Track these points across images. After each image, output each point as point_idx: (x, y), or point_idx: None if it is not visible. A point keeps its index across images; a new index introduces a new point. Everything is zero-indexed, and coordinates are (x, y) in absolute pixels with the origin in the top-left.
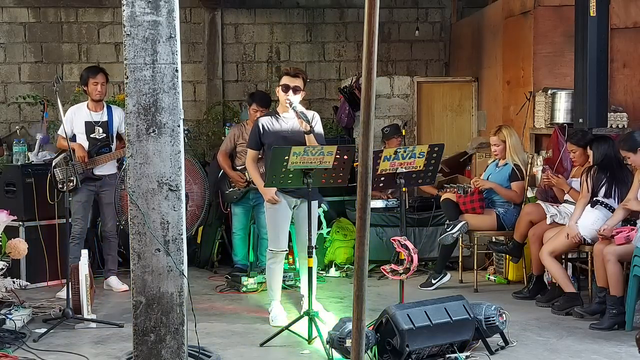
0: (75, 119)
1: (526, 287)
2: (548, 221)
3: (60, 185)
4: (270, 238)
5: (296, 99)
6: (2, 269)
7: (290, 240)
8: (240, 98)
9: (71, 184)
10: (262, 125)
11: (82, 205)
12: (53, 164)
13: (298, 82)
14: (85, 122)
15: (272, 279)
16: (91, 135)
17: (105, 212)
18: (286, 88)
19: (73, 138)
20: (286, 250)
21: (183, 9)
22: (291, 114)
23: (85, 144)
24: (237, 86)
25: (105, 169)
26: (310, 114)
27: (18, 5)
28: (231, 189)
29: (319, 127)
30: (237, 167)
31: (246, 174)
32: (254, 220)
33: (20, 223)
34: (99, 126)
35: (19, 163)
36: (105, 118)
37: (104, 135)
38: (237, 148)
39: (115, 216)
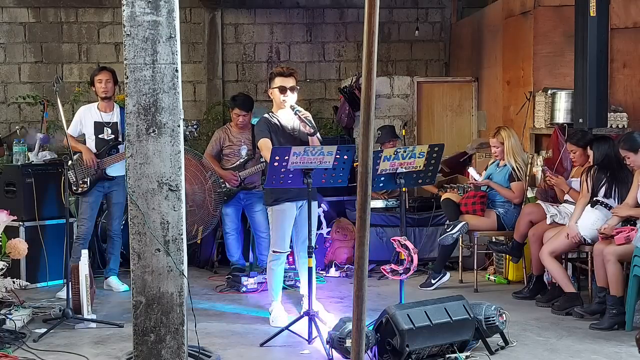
0: (85, 119)
1: (526, 287)
2: (548, 221)
3: (74, 188)
4: (274, 239)
5: (293, 98)
6: (2, 269)
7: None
8: None
9: (84, 185)
10: (269, 123)
11: (89, 205)
12: (67, 165)
13: (292, 82)
14: (95, 122)
15: (273, 280)
16: (99, 136)
17: (112, 212)
18: (283, 90)
19: (82, 137)
20: (289, 251)
21: (183, 9)
22: (288, 113)
23: (93, 144)
24: (237, 86)
25: (118, 169)
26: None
27: (18, 5)
28: (220, 190)
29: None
30: (225, 169)
31: (238, 174)
32: (248, 221)
33: (20, 223)
34: (108, 127)
35: (19, 163)
36: (115, 119)
37: (113, 136)
38: (224, 151)
39: (121, 215)
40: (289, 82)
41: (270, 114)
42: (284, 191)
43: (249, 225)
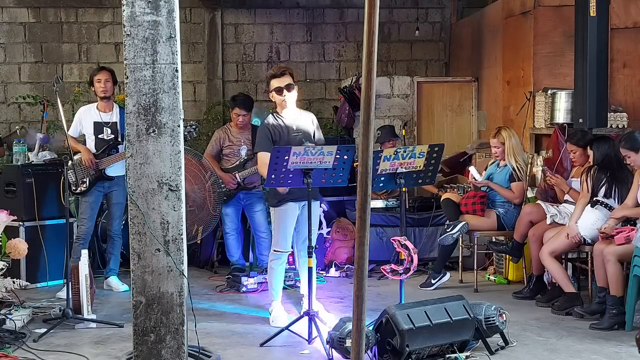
0: (84, 119)
1: (526, 287)
2: (548, 221)
3: (74, 187)
4: (276, 239)
5: (292, 96)
6: (2, 269)
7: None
8: None
9: (84, 185)
10: (272, 128)
11: (89, 205)
12: (67, 165)
13: (287, 80)
14: (94, 122)
15: (274, 279)
16: (99, 136)
17: (112, 212)
18: (279, 90)
19: (82, 137)
20: (291, 251)
21: (183, 9)
22: (293, 112)
23: (93, 145)
24: (237, 86)
25: (117, 169)
26: (309, 115)
27: (18, 5)
28: (219, 190)
29: (319, 134)
30: (225, 169)
31: (237, 175)
32: (248, 221)
33: (20, 223)
34: (107, 127)
35: (19, 163)
36: (115, 119)
37: (112, 136)
38: (224, 151)
39: (122, 216)
40: (284, 81)
41: (274, 114)
42: (287, 191)
43: (249, 225)
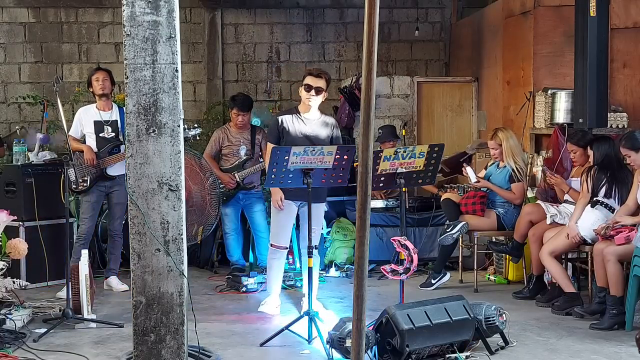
0: (85, 119)
1: (526, 287)
2: (548, 221)
3: (74, 186)
4: (271, 233)
5: (317, 100)
6: (2, 269)
7: (290, 240)
8: None
9: (85, 184)
10: (284, 123)
11: (91, 205)
12: (67, 165)
13: (320, 83)
14: (95, 121)
15: (271, 274)
16: (100, 135)
17: (113, 212)
18: (309, 88)
19: (83, 138)
20: (287, 248)
21: (183, 9)
22: (313, 115)
23: (94, 144)
24: (237, 86)
25: (118, 168)
26: (329, 120)
27: (18, 5)
28: (218, 190)
29: (337, 133)
30: (224, 169)
31: (236, 175)
32: (248, 221)
33: (20, 223)
34: (108, 125)
35: (19, 163)
36: (114, 117)
37: (113, 134)
38: (223, 150)
39: (123, 215)
40: (317, 82)
41: (295, 115)
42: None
43: (249, 225)
